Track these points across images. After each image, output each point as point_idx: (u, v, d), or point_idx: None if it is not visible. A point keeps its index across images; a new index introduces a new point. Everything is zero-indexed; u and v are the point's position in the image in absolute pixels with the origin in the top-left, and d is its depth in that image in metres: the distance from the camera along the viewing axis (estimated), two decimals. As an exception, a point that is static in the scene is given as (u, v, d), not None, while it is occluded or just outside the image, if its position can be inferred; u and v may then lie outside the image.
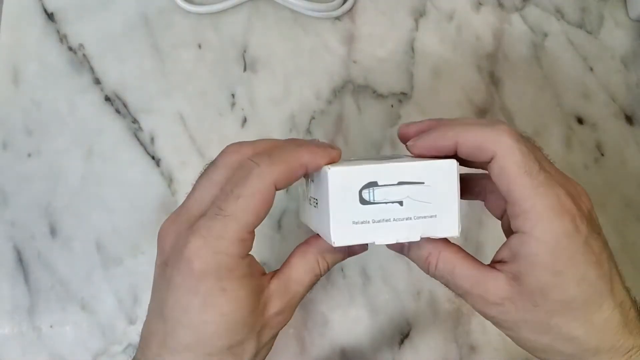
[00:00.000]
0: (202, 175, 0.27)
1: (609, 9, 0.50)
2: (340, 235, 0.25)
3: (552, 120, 0.48)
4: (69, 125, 0.46)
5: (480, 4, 0.50)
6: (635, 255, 0.46)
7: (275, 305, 0.27)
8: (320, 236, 0.28)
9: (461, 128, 0.26)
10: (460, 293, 0.27)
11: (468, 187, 0.31)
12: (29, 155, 0.45)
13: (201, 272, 0.24)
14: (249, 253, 0.26)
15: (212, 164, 0.27)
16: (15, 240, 0.44)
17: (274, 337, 0.28)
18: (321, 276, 0.28)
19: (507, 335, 0.28)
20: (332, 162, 0.26)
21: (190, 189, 0.28)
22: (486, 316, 0.27)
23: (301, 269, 0.28)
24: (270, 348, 0.28)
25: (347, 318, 0.44)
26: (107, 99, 0.47)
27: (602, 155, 0.48)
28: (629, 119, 0.48)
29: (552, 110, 0.48)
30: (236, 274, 0.25)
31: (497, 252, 0.27)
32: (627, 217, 0.46)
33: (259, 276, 0.27)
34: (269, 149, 0.27)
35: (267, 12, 0.48)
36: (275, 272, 0.28)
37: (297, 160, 0.25)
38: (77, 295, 0.43)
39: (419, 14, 0.49)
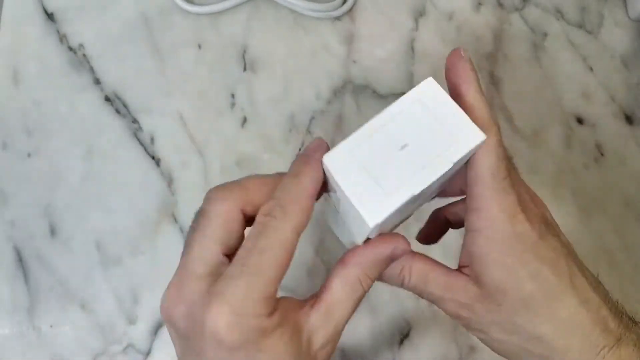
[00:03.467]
0: (195, 230, 0.25)
1: (608, 9, 0.50)
2: (374, 213, 0.23)
3: (552, 120, 0.48)
4: (68, 125, 0.46)
5: (480, 4, 0.50)
6: (635, 255, 0.46)
7: (319, 338, 0.24)
8: (355, 249, 0.26)
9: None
10: (433, 299, 0.27)
11: None
12: (29, 155, 0.45)
13: (232, 342, 0.22)
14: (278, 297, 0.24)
15: (203, 216, 0.25)
16: (15, 240, 0.44)
17: None
18: (366, 293, 0.26)
19: (482, 340, 0.28)
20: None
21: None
22: (460, 319, 0.27)
23: (342, 292, 0.25)
24: None
25: (347, 318, 0.44)
26: (107, 98, 0.47)
27: (602, 155, 0.47)
28: (629, 119, 0.48)
29: (552, 110, 0.48)
30: (270, 331, 0.23)
31: (460, 257, 0.28)
32: (627, 217, 0.46)
33: (294, 316, 0.24)
34: (266, 191, 0.25)
35: (267, 12, 0.48)
36: (313, 301, 0.25)
37: (305, 193, 0.24)
38: (77, 295, 0.43)
39: (419, 14, 0.49)
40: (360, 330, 0.43)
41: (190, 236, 0.25)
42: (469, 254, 0.26)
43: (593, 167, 0.47)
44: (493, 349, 0.27)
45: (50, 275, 0.43)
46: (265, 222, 0.23)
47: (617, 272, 0.45)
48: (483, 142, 0.24)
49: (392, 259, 0.26)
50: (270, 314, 0.23)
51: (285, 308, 0.24)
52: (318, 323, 0.24)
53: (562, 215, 0.46)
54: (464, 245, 0.27)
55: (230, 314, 0.22)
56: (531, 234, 0.25)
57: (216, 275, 0.23)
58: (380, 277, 0.27)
